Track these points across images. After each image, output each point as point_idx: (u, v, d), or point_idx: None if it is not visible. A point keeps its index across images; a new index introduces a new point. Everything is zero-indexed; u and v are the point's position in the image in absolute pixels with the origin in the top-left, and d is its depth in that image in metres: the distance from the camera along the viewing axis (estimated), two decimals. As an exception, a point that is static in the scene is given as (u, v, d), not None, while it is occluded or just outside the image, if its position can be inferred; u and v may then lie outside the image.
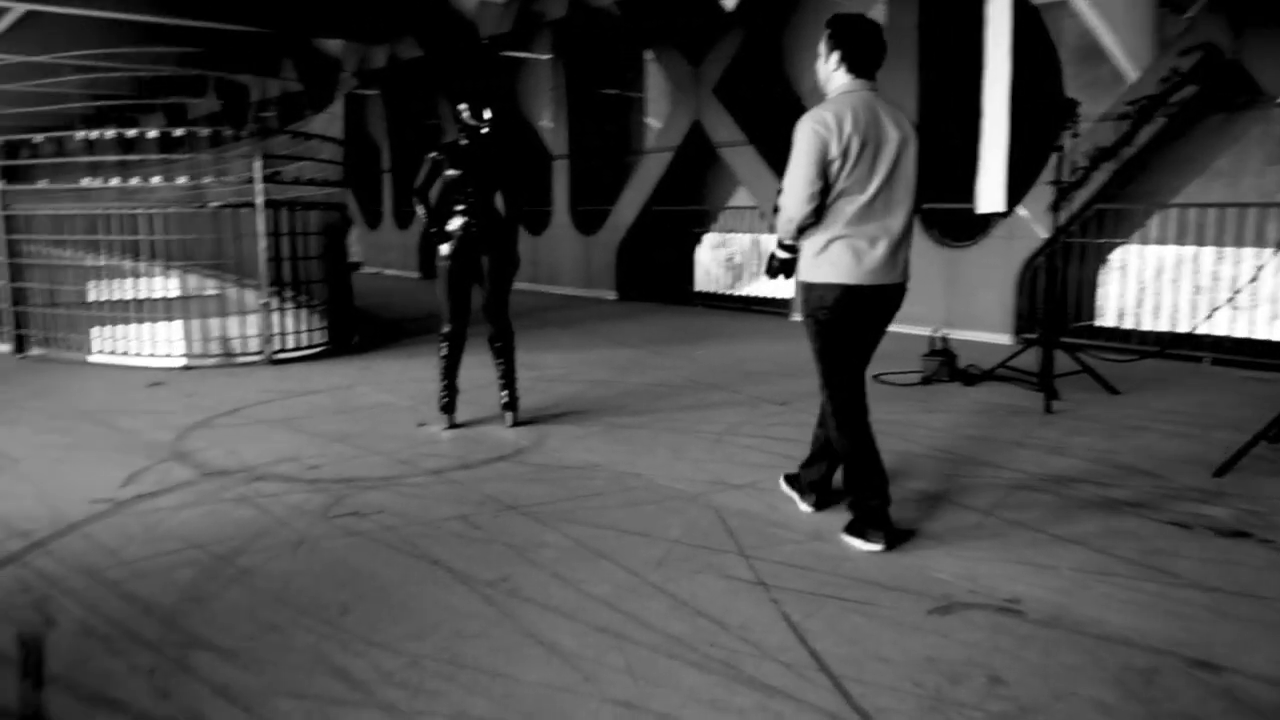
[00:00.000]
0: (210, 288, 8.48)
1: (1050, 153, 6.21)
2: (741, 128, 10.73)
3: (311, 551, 3.44)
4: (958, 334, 8.65)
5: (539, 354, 7.88)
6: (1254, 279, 5.46)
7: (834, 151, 3.24)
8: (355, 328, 8.91)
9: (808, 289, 3.45)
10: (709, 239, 15.75)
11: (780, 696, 2.41)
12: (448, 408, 5.35)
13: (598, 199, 13.35)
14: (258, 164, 7.41)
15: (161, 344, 7.60)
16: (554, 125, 13.88)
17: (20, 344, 8.12)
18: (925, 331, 6.89)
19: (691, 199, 12.40)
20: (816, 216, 3.34)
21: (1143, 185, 8.01)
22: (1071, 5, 12.81)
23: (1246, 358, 7.18)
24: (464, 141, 5.16)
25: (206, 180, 8.51)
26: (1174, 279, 8.48)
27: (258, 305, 7.65)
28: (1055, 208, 6.10)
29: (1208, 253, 8.44)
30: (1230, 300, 5.79)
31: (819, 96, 3.52)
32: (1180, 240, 8.34)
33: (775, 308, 11.11)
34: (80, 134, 8.00)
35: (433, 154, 5.16)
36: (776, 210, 3.43)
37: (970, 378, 6.57)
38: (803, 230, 3.39)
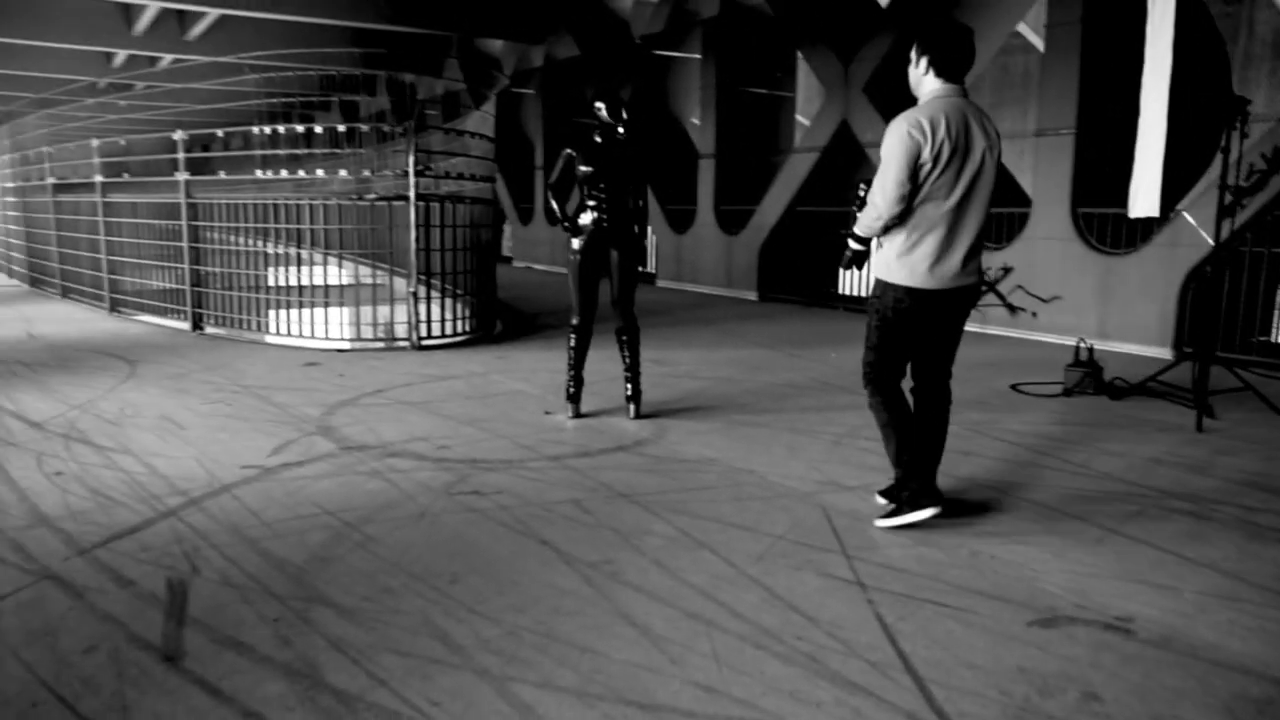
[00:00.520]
0: (368, 276, 9.00)
1: (1215, 154, 5.83)
2: (890, 127, 10.50)
3: (431, 524, 3.65)
4: (1112, 346, 8.25)
5: (671, 350, 7.99)
6: None
7: (925, 155, 3.34)
8: (498, 318, 9.25)
9: (884, 287, 3.55)
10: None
11: (861, 693, 2.40)
12: (573, 397, 5.51)
13: (742, 198, 13.36)
14: (410, 159, 7.82)
15: (322, 327, 8.13)
16: (701, 124, 13.97)
17: (197, 322, 8.85)
18: (1074, 341, 6.60)
19: (837, 200, 12.24)
20: (901, 218, 3.44)
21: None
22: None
23: None
24: (598, 139, 5.31)
25: (365, 174, 9.04)
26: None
27: (407, 294, 8.08)
28: (1223, 214, 5.73)
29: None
30: None
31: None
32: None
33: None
34: (258, 129, 8.66)
35: (567, 150, 5.33)
36: (859, 206, 3.55)
37: (1117, 391, 6.25)
38: (887, 229, 3.49)
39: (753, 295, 12.83)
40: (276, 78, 9.77)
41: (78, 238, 11.15)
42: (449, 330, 8.40)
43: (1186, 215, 7.80)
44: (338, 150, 9.03)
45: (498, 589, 3.04)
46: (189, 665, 2.52)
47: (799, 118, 14.59)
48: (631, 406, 5.49)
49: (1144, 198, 5.64)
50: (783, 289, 12.61)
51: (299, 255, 8.50)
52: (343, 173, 8.69)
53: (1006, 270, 9.20)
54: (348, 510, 3.78)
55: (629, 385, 5.51)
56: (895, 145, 3.36)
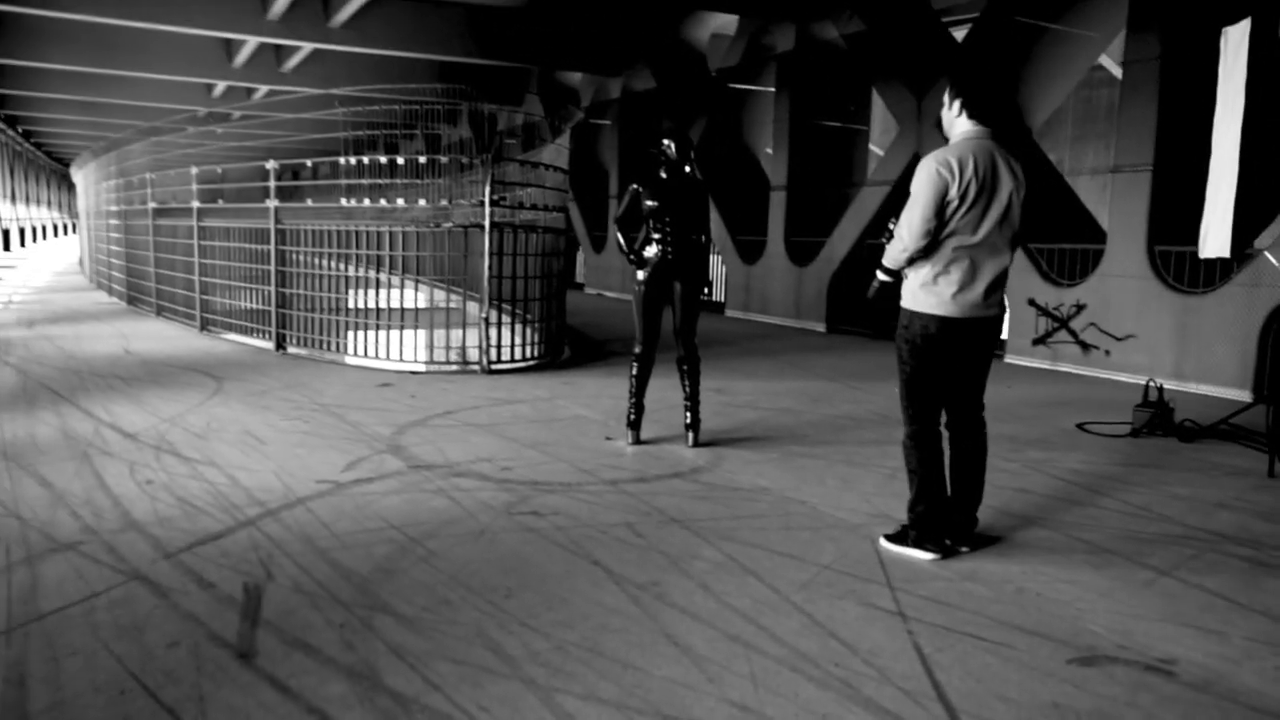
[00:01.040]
0: (444, 301, 9.31)
1: (1291, 196, 5.74)
2: (962, 162, 10.46)
3: (490, 542, 3.81)
4: (1189, 387, 8.09)
5: (734, 380, 8.08)
6: None
7: (953, 193, 3.51)
8: (566, 343, 9.47)
9: (911, 316, 3.69)
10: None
11: (891, 719, 2.47)
12: (634, 424, 5.66)
13: (813, 230, 13.41)
14: (486, 189, 8.10)
15: (397, 349, 8.44)
16: (774, 156, 14.09)
17: (280, 342, 9.26)
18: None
19: (908, 233, 12.20)
20: (927, 252, 3.59)
21: None
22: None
23: None
24: (664, 175, 5.48)
25: (444, 202, 9.37)
26: None
27: (479, 319, 8.34)
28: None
29: None
30: None
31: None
32: None
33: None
34: (344, 159, 9.06)
35: (634, 185, 5.52)
36: (889, 239, 3.69)
37: (1187, 433, 6.14)
38: (912, 261, 3.64)
39: (820, 327, 12.84)
40: (364, 110, 10.20)
41: (174, 259, 11.76)
42: (518, 355, 8.64)
43: (1268, 255, 7.63)
44: (418, 180, 9.39)
45: (549, 605, 3.18)
46: (260, 663, 2.72)
47: (873, 148, 14.61)
48: (690, 434, 5.61)
49: (1214, 238, 5.58)
50: (851, 321, 12.61)
51: (378, 279, 8.84)
52: (422, 201, 9.03)
53: (1080, 308, 9.09)
54: (412, 525, 3.98)
55: (688, 414, 5.63)
56: (924, 182, 3.53)
